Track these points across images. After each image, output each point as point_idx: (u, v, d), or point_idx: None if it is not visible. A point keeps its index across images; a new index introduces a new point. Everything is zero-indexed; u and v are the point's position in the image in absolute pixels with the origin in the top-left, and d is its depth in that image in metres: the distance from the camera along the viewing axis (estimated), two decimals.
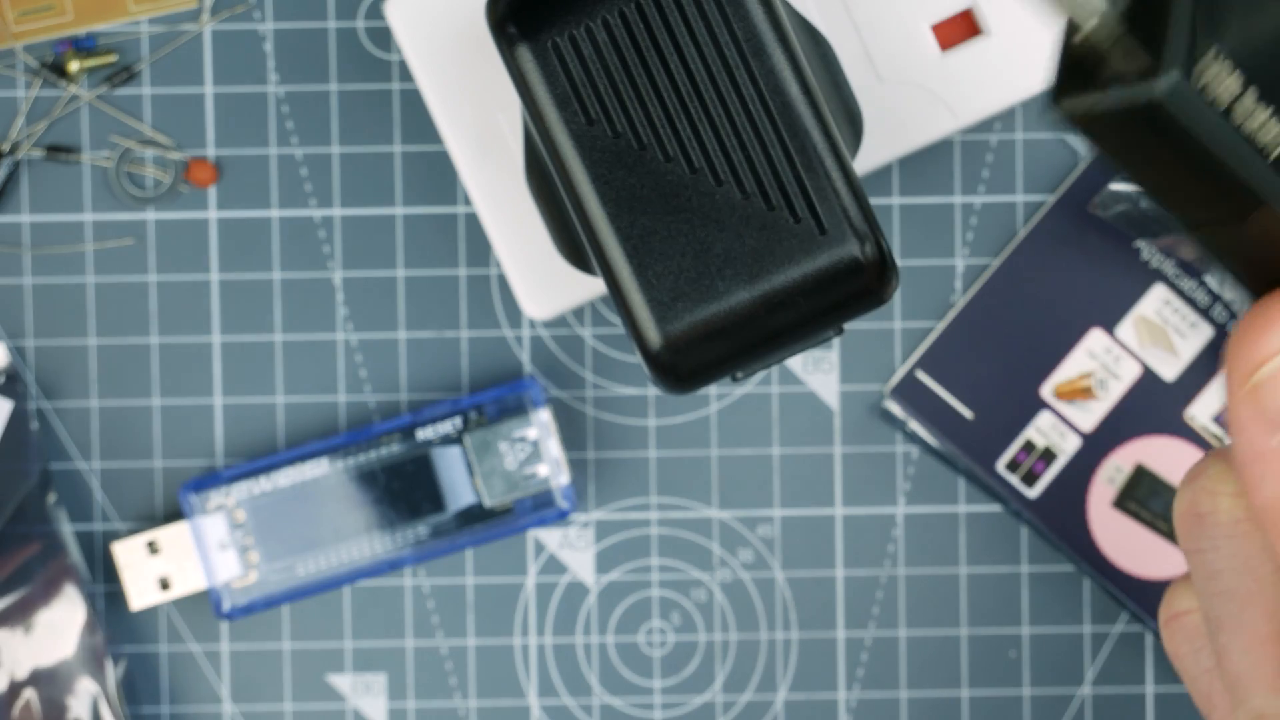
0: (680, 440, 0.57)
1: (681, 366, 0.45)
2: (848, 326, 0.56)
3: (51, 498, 0.56)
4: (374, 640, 0.57)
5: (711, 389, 0.57)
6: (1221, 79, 0.33)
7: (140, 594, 0.56)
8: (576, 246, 0.49)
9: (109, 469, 0.57)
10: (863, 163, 0.53)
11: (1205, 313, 0.57)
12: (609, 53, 0.45)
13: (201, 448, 0.57)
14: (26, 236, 0.57)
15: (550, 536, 0.57)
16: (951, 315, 0.57)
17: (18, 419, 0.56)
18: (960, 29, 0.54)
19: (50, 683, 0.56)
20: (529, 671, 0.57)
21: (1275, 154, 0.34)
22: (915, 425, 0.57)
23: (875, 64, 0.53)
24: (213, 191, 0.57)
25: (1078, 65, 0.34)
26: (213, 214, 0.57)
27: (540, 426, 0.56)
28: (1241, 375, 0.34)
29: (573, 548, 0.57)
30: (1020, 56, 0.53)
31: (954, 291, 0.57)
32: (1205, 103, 0.33)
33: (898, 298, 0.57)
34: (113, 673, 0.56)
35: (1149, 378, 0.57)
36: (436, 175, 0.57)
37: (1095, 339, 0.57)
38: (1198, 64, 0.33)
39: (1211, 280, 0.56)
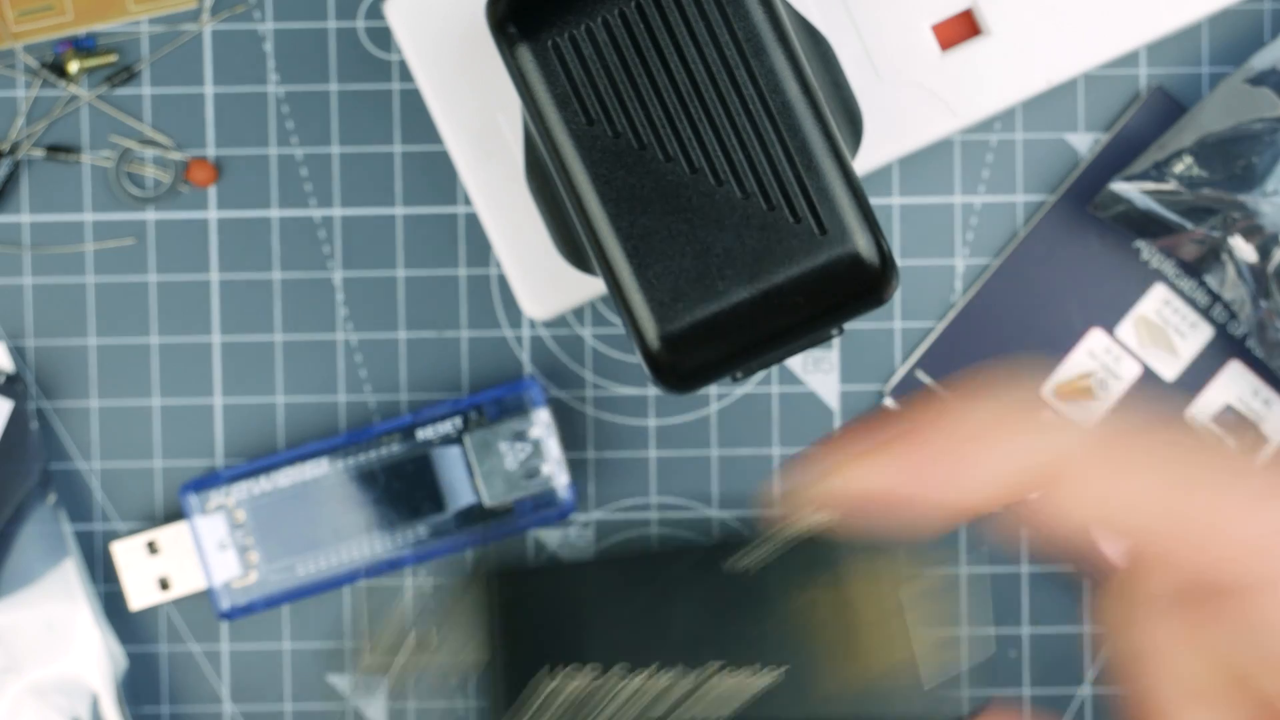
0: (680, 440, 0.57)
1: (681, 366, 0.45)
2: (848, 326, 0.56)
3: (51, 498, 0.56)
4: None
5: (711, 389, 0.57)
6: None
7: (140, 594, 0.56)
8: (576, 246, 0.49)
9: (109, 469, 0.57)
10: (863, 163, 0.53)
11: (1205, 313, 0.57)
12: (609, 53, 0.45)
13: (201, 448, 0.57)
14: (26, 236, 0.57)
15: (550, 536, 0.57)
16: (951, 315, 0.57)
17: (18, 419, 0.56)
18: (960, 29, 0.54)
19: (50, 683, 0.56)
20: None
21: None
22: None
23: (875, 64, 0.53)
24: (213, 191, 0.57)
25: None
26: (213, 214, 0.57)
27: (540, 426, 0.56)
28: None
29: (573, 548, 0.57)
30: (1020, 56, 0.53)
31: (954, 291, 0.57)
32: None
33: (898, 298, 0.57)
34: (113, 673, 0.56)
35: (1149, 378, 0.57)
36: (436, 175, 0.57)
37: (1095, 339, 0.57)
38: None
39: (1211, 280, 0.56)
